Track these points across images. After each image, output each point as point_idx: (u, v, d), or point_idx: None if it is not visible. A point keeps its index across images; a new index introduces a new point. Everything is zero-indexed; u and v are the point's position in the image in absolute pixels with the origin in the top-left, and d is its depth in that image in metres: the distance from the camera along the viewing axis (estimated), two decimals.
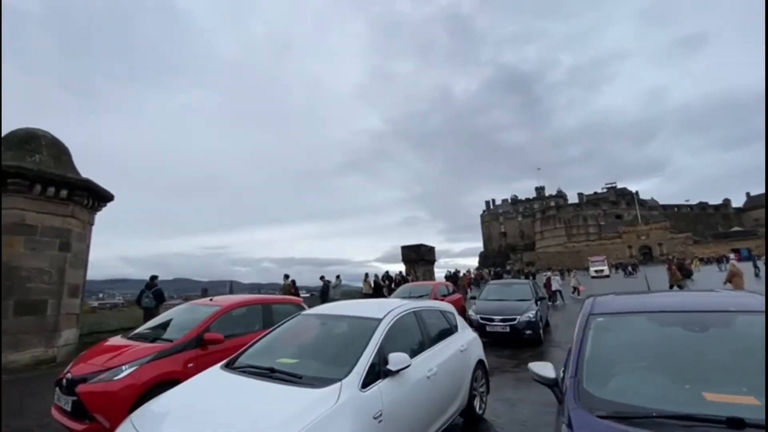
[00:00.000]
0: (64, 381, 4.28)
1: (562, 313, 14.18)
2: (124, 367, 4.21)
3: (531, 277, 29.42)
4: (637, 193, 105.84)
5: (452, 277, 23.48)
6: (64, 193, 7.97)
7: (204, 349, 4.81)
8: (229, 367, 3.40)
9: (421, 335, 3.99)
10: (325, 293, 15.97)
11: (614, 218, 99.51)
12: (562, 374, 2.73)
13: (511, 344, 8.84)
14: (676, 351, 2.35)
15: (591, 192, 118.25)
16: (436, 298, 10.98)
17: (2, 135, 8.08)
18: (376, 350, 3.17)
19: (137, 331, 5.35)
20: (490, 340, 8.82)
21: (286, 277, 14.43)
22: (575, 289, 18.77)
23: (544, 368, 2.69)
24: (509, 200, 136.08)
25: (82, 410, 3.99)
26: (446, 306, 5.03)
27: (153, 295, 9.26)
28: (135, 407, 4.07)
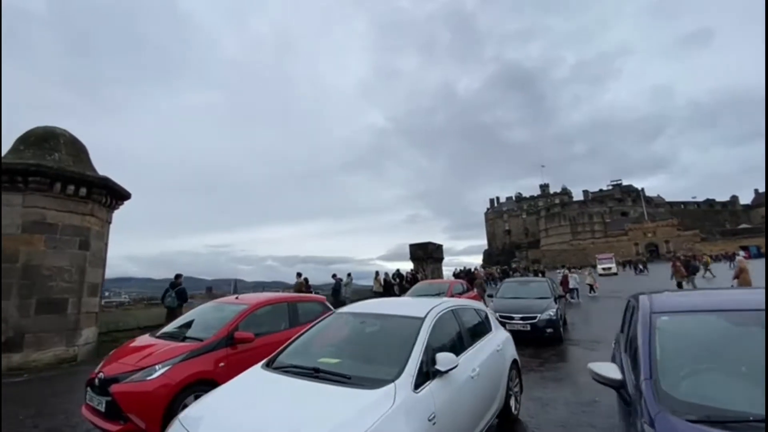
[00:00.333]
0: (96, 381, 4.23)
1: (578, 311, 14.06)
2: (157, 367, 4.16)
3: (541, 275, 29.26)
4: (643, 190, 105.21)
5: (467, 275, 23.30)
6: (83, 191, 7.94)
7: (234, 348, 4.76)
8: (270, 366, 3.33)
9: (460, 334, 3.91)
10: (337, 291, 15.96)
11: (620, 215, 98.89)
12: (622, 375, 2.62)
13: (532, 343, 8.73)
14: (756, 352, 2.25)
15: (596, 189, 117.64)
16: (452, 296, 10.90)
17: (21, 134, 8.07)
18: (423, 350, 3.10)
19: (165, 329, 5.30)
20: None
21: (299, 275, 14.39)
22: (591, 286, 18.62)
23: (609, 369, 2.60)
24: (514, 198, 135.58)
25: (117, 411, 3.94)
26: (479, 304, 4.96)
27: (176, 294, 9.27)
28: (169, 408, 4.05)
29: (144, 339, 5.09)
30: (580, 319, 12.08)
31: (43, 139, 8.02)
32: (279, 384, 2.94)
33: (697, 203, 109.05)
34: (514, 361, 4.76)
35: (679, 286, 16.10)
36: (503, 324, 8.88)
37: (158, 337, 5.02)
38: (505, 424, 4.38)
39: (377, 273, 19.19)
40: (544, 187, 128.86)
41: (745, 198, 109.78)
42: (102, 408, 4.04)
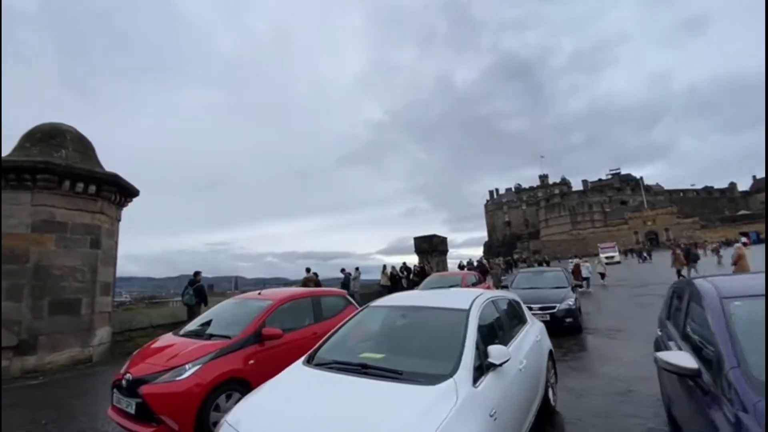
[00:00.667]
0: (124, 382, 4.09)
1: (591, 300, 14.00)
2: (187, 366, 4.02)
3: (545, 264, 29.22)
4: (641, 178, 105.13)
5: (479, 266, 23.23)
6: (92, 188, 7.74)
7: (262, 345, 4.63)
8: (311, 363, 3.19)
9: (503, 326, 3.80)
10: (346, 285, 15.86)
11: (619, 204, 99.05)
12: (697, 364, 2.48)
13: (551, 333, 8.51)
14: None
15: (595, 179, 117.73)
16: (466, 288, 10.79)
17: (26, 131, 7.85)
18: (475, 343, 2.97)
19: (188, 328, 5.16)
20: None
21: (308, 270, 14.27)
22: (602, 275, 18.59)
23: (682, 358, 2.47)
24: (513, 189, 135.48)
25: (148, 412, 3.81)
26: (513, 295, 4.83)
27: (194, 291, 9.17)
28: (202, 408, 3.92)
29: (168, 338, 4.94)
30: (594, 308, 12.01)
31: (49, 135, 7.80)
32: (328, 381, 2.80)
33: (696, 191, 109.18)
34: (550, 352, 4.67)
35: (679, 274, 16.20)
36: None
37: (183, 336, 4.88)
38: (544, 416, 4.26)
39: (384, 266, 19.12)
40: (543, 178, 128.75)
41: (744, 184, 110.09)
42: (132, 410, 3.91)
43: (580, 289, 15.98)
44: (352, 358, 3.12)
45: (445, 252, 28.48)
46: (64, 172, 7.34)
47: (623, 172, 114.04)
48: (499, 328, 3.67)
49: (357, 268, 17.32)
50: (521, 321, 4.36)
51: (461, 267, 27.59)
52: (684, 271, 16.34)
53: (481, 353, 2.93)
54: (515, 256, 60.79)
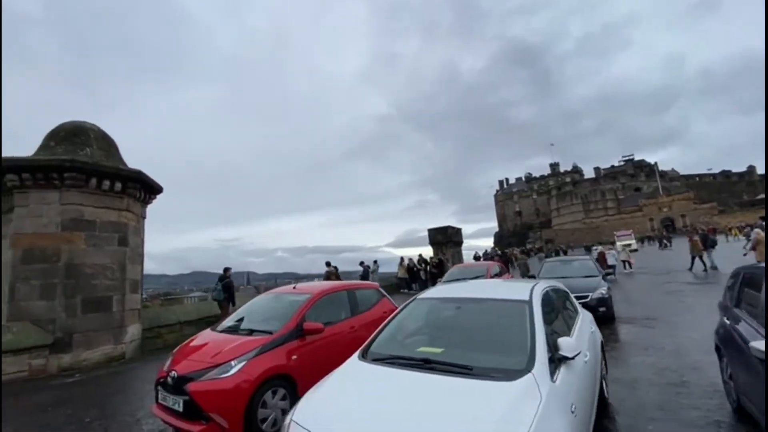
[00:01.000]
0: (169, 379, 4.03)
1: (616, 288, 13.71)
2: (233, 363, 3.95)
3: (563, 253, 28.81)
4: (656, 164, 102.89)
5: (502, 256, 23.03)
6: (118, 186, 7.73)
7: (303, 340, 4.54)
8: (368, 359, 3.07)
9: (561, 317, 3.63)
10: (365, 278, 15.86)
11: (633, 191, 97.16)
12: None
13: None
14: None
15: (608, 166, 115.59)
16: (491, 278, 10.61)
17: (51, 130, 7.83)
18: (545, 336, 2.82)
19: (226, 324, 5.09)
20: None
21: (328, 264, 14.24)
22: (626, 262, 18.23)
23: None
24: (523, 178, 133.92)
25: (196, 410, 3.74)
26: (562, 284, 4.65)
27: (222, 287, 9.23)
28: (249, 405, 3.85)
29: (207, 334, 4.88)
30: (622, 297, 11.73)
31: (73, 134, 7.78)
32: (394, 378, 2.67)
33: (713, 175, 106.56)
34: (602, 342, 4.49)
35: (696, 260, 15.92)
36: None
37: (222, 332, 4.81)
38: (599, 409, 4.10)
39: (402, 259, 19.00)
40: (554, 166, 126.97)
41: (763, 167, 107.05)
42: (179, 408, 3.85)
43: (609, 278, 15.73)
44: (410, 353, 3.00)
45: (459, 243, 28.22)
46: (91, 170, 7.32)
47: (636, 158, 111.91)
48: (558, 320, 3.51)
49: (375, 261, 17.29)
50: (575, 311, 4.20)
51: (477, 258, 27.38)
52: (703, 257, 16.02)
53: (551, 346, 2.78)
54: (528, 246, 60.27)
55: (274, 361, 4.15)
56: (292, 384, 4.24)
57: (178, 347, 4.65)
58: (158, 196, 9.29)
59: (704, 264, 15.63)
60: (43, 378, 6.67)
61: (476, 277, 10.63)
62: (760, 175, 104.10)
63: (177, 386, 3.94)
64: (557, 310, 3.64)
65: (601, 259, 15.85)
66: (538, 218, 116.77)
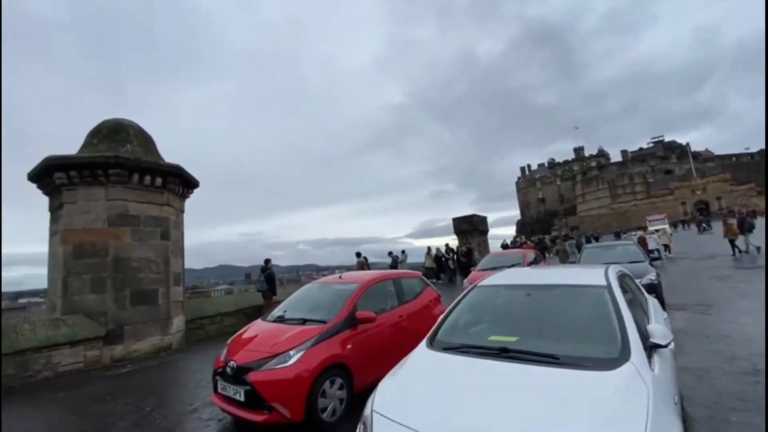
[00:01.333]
0: (228, 370, 4.05)
1: (662, 274, 13.15)
2: (291, 353, 3.93)
3: (594, 240, 27.97)
4: (688, 144, 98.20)
5: (539, 243, 22.58)
6: (159, 181, 7.87)
7: (355, 329, 4.49)
8: (437, 347, 2.96)
9: (639, 303, 3.43)
10: (393, 268, 15.78)
11: (663, 174, 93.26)
12: None
13: None
14: None
15: (636, 148, 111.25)
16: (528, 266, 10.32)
17: (93, 128, 8.03)
18: (634, 322, 2.64)
19: (276, 313, 5.09)
20: None
21: (358, 254, 14.25)
22: (667, 246, 17.55)
23: None
24: (546, 164, 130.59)
25: (258, 400, 3.75)
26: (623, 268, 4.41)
27: (264, 278, 9.46)
28: (310, 394, 3.82)
29: (260, 324, 4.90)
30: (668, 282, 11.22)
31: (114, 131, 7.95)
32: (476, 367, 2.54)
33: (751, 155, 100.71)
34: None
35: (732, 244, 15.16)
36: None
37: (274, 321, 4.81)
38: None
39: (429, 248, 18.87)
40: (578, 151, 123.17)
41: None
42: (240, 398, 3.87)
43: (657, 262, 15.15)
44: (482, 342, 2.87)
45: (485, 232, 27.79)
46: (133, 166, 7.47)
47: (667, 139, 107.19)
48: (635, 305, 3.31)
49: (403, 251, 17.26)
50: (646, 297, 3.98)
51: (504, 246, 26.90)
52: (738, 242, 15.22)
53: (642, 333, 2.60)
54: (553, 234, 58.91)
55: (331, 351, 4.12)
56: (348, 373, 4.21)
57: (232, 337, 4.68)
58: (194, 191, 9.42)
59: (736, 248, 14.97)
60: (97, 368, 6.92)
61: (512, 266, 10.37)
62: None
63: (237, 376, 3.96)
64: (634, 295, 3.44)
65: (642, 244, 15.27)
66: (562, 205, 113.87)
